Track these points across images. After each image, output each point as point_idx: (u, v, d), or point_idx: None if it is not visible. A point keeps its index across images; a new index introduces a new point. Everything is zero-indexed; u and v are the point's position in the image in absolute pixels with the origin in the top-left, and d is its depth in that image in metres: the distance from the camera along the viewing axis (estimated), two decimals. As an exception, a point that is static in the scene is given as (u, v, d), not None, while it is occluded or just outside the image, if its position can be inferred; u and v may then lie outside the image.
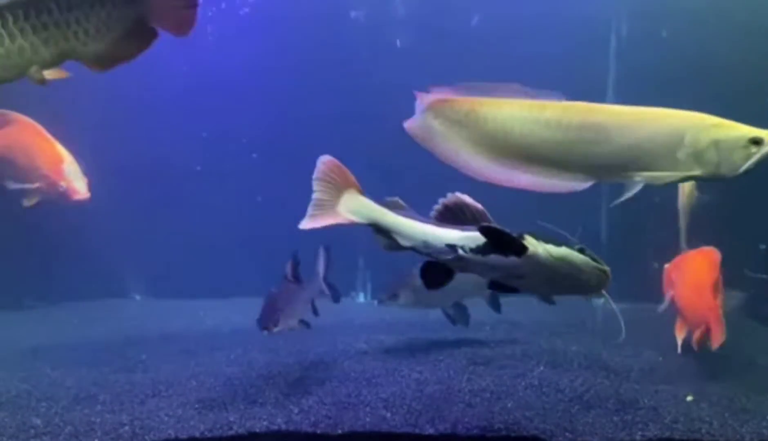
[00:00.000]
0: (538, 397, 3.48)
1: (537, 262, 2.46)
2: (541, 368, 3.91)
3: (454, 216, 2.71)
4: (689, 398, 3.44)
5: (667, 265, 4.67)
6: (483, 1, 6.49)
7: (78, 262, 6.26)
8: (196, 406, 3.44)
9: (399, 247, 2.86)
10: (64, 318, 5.90)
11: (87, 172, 4.90)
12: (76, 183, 4.79)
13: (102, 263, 6.29)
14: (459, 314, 4.23)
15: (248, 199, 6.59)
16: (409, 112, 3.07)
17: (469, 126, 3.04)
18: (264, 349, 4.53)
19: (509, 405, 3.36)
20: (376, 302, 3.95)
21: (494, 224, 2.56)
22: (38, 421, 3.25)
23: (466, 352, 4.23)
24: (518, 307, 5.71)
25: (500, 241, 2.50)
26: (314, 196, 2.91)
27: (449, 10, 6.47)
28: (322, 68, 6.49)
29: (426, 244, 2.74)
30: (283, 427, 3.13)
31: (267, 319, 3.73)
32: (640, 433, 3.01)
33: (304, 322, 4.20)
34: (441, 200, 2.73)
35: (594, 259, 2.46)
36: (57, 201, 4.83)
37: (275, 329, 3.82)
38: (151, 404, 3.49)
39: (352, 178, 2.92)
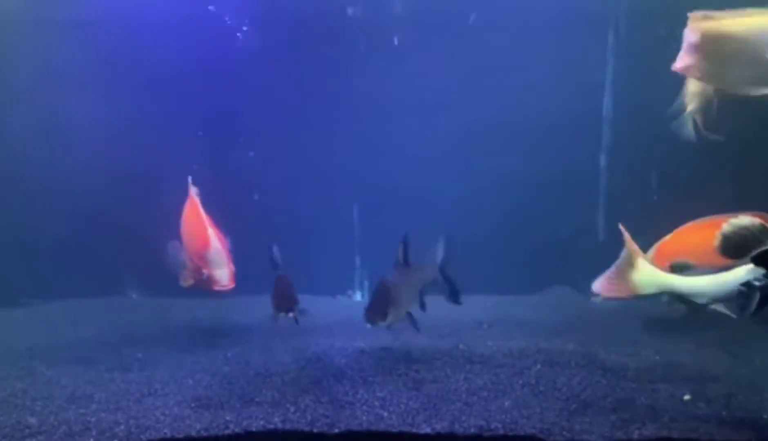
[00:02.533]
0: (535, 395, 3.48)
1: None
2: (538, 367, 3.91)
3: (738, 243, 2.72)
4: (687, 397, 3.44)
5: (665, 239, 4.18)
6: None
7: (74, 260, 6.24)
8: (193, 404, 3.44)
9: (698, 308, 3.08)
10: (60, 316, 5.88)
11: (233, 254, 4.72)
12: (218, 272, 4.59)
13: (98, 261, 6.27)
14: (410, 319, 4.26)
15: (245, 197, 6.57)
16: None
17: None
18: (261, 347, 4.52)
19: (506, 404, 3.35)
20: (368, 325, 3.96)
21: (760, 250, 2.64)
22: (33, 420, 3.24)
23: (462, 350, 4.22)
24: (516, 305, 5.72)
25: None
26: (615, 264, 3.29)
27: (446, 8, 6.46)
28: (320, 67, 6.48)
29: (725, 294, 2.93)
30: (280, 426, 3.12)
31: (292, 302, 4.08)
32: (637, 432, 3.00)
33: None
34: (722, 231, 2.73)
35: None
36: (203, 286, 4.68)
37: (291, 314, 4.01)
38: (147, 403, 3.48)
39: (637, 248, 3.25)
